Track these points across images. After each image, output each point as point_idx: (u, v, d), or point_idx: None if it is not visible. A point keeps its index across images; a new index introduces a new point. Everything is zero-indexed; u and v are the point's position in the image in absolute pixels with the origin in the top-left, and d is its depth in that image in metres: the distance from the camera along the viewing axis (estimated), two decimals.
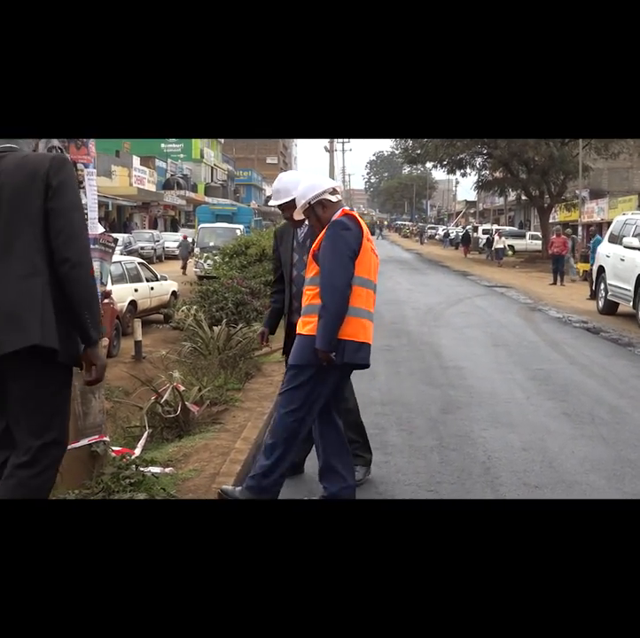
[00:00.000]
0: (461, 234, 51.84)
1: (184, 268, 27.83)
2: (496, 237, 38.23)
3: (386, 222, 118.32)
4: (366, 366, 4.29)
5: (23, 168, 3.02)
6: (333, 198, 4.29)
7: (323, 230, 4.21)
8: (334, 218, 4.23)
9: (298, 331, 4.31)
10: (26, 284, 2.94)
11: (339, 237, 4.11)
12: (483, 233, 47.99)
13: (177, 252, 33.88)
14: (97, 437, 4.25)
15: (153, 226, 45.96)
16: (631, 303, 13.74)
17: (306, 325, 4.20)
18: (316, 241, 4.25)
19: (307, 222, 4.83)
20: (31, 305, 2.92)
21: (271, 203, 5.05)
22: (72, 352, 3.07)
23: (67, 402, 3.19)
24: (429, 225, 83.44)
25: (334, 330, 4.05)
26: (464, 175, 43.65)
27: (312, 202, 4.30)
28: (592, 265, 20.23)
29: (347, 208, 4.30)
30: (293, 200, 4.60)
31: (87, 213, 3.86)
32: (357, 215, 4.29)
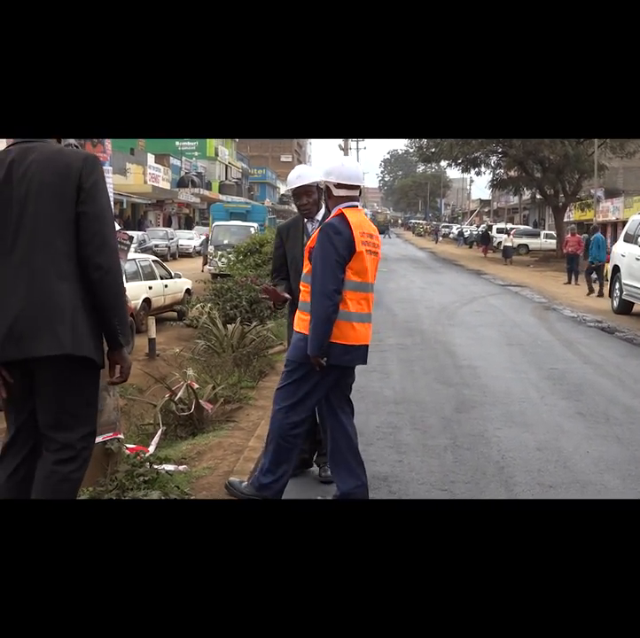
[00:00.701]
0: (475, 233, 51.66)
1: (205, 264, 28.18)
2: (505, 236, 38.06)
3: (400, 221, 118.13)
4: (357, 365, 4.37)
5: (56, 164, 2.93)
6: (335, 192, 4.29)
7: (318, 229, 4.25)
8: (329, 218, 4.25)
9: (294, 327, 4.35)
10: (55, 287, 2.89)
11: (328, 243, 4.10)
12: (498, 232, 47.82)
13: (191, 250, 35.84)
14: (111, 434, 4.27)
15: (167, 224, 46.07)
16: None
17: (301, 322, 4.26)
18: (311, 238, 4.29)
19: (318, 218, 4.83)
20: (61, 311, 2.89)
21: (297, 184, 4.84)
22: (101, 354, 3.07)
23: (97, 394, 3.22)
24: (443, 224, 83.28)
25: (323, 336, 4.07)
26: (478, 173, 43.68)
27: (323, 183, 4.42)
28: (593, 262, 20.13)
29: (342, 207, 4.23)
30: (310, 185, 4.80)
31: None
32: (349, 216, 4.17)
